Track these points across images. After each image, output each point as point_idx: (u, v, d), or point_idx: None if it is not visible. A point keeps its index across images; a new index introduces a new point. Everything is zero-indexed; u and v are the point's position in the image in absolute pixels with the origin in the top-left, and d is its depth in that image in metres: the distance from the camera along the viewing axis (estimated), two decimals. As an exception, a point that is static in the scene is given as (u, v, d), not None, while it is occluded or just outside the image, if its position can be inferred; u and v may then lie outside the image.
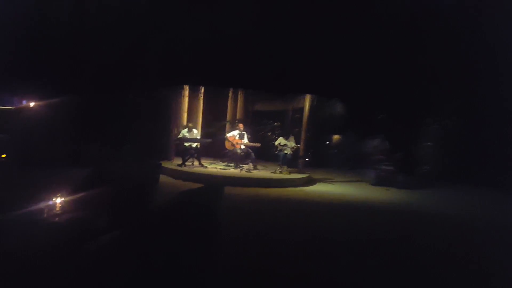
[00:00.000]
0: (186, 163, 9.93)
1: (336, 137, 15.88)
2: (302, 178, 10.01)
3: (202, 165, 10.03)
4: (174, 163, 10.07)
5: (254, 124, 12.48)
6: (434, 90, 10.73)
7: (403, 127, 12.09)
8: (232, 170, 10.01)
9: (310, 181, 10.14)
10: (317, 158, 12.67)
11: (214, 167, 10.20)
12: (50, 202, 3.01)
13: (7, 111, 10.47)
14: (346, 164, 14.04)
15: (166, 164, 9.86)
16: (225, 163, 10.71)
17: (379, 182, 10.51)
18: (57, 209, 3.02)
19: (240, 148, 10.19)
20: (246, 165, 10.29)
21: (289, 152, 10.23)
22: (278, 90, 10.45)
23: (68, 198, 3.25)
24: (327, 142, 15.56)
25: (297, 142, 10.60)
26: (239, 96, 12.10)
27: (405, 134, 11.50)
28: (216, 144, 10.90)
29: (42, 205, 2.95)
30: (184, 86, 10.58)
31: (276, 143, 10.50)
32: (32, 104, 9.13)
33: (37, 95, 8.96)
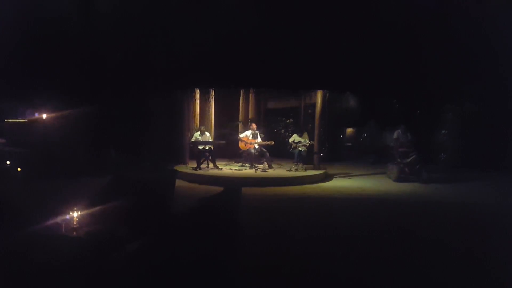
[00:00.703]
0: (201, 166, 9.90)
1: (349, 130, 15.70)
2: (319, 174, 9.87)
3: (217, 167, 9.98)
4: (189, 167, 10.04)
5: (267, 122, 12.40)
6: (450, 76, 10.44)
7: (419, 116, 11.84)
8: (247, 171, 9.93)
9: (326, 177, 9.99)
10: (332, 153, 12.51)
11: (229, 169, 10.13)
12: (71, 215, 2.97)
13: (21, 124, 10.60)
14: (362, 157, 13.83)
15: (181, 168, 9.85)
16: (240, 164, 10.64)
17: (401, 176, 9.60)
18: (78, 222, 2.98)
19: (254, 148, 10.11)
20: (261, 165, 10.20)
21: (303, 149, 10.10)
22: (289, 87, 10.31)
23: (88, 210, 3.22)
24: (341, 136, 15.32)
25: (311, 138, 10.46)
26: (250, 96, 12.01)
27: (421, 122, 11.22)
28: (230, 145, 10.84)
29: (62, 218, 2.91)
30: (195, 89, 10.53)
31: (290, 140, 10.38)
32: (44, 116, 9.21)
33: (49, 105, 9.03)
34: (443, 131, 11.87)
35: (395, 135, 10.08)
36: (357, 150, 14.78)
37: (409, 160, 9.69)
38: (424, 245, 4.81)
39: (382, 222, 5.95)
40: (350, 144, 15.47)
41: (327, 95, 10.77)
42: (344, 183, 9.42)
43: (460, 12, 9.28)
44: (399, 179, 9.61)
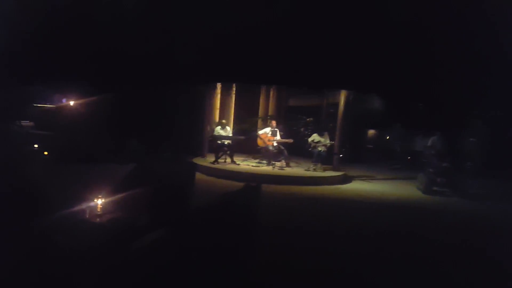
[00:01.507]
0: (219, 160, 9.96)
1: (371, 132, 15.45)
2: (337, 176, 9.78)
3: (234, 162, 10.02)
4: (207, 160, 10.13)
5: (287, 119, 12.33)
6: (479, 81, 10.08)
7: (448, 122, 11.49)
8: (264, 167, 9.93)
9: (345, 179, 9.88)
10: (353, 155, 12.34)
11: (246, 164, 10.16)
12: (93, 202, 3.05)
13: (49, 109, 10.92)
14: (384, 161, 13.55)
15: (199, 161, 9.94)
16: (258, 160, 10.65)
17: (433, 189, 8.61)
18: (100, 208, 3.06)
19: (273, 145, 10.10)
20: (279, 162, 10.18)
21: (323, 149, 10.01)
22: (312, 85, 10.19)
23: (111, 197, 3.29)
24: (363, 137, 15.05)
25: (331, 138, 10.35)
26: (271, 92, 11.98)
27: (450, 129, 10.87)
28: (248, 141, 10.86)
29: (85, 204, 2.99)
30: (217, 83, 10.58)
31: (310, 139, 10.30)
32: (72, 102, 9.45)
33: (77, 92, 9.26)
34: (472, 139, 11.49)
35: (429, 142, 9.35)
36: (379, 152, 14.52)
37: (443, 170, 8.72)
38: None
39: (403, 232, 5.82)
40: (372, 146, 15.24)
41: (351, 95, 10.61)
42: (363, 186, 9.29)
43: (493, 17, 8.94)
44: (430, 191, 8.63)
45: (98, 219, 2.97)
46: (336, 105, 11.00)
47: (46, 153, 8.04)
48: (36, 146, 8.21)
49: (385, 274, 3.94)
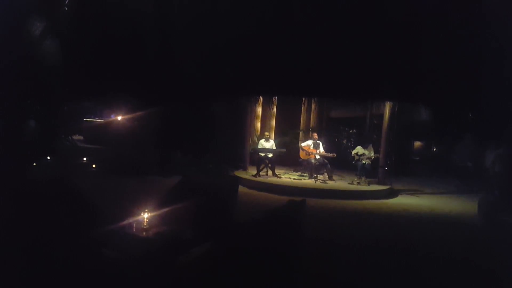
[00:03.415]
0: (260, 173, 9.89)
1: (417, 143, 14.75)
2: (383, 190, 9.35)
3: (276, 175, 9.91)
4: (249, 173, 10.09)
5: (329, 131, 12.06)
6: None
7: (498, 132, 10.68)
8: (306, 181, 9.72)
9: (391, 193, 9.42)
10: (399, 167, 11.78)
11: (288, 177, 10.01)
12: (140, 216, 3.07)
13: (98, 123, 11.47)
14: (433, 174, 12.78)
15: (240, 174, 9.92)
16: (299, 173, 10.47)
17: (494, 216, 6.65)
18: (147, 222, 3.06)
19: (315, 158, 9.88)
20: (321, 175, 9.93)
21: (367, 162, 9.65)
22: (355, 97, 9.90)
23: (157, 210, 3.30)
24: (409, 149, 14.33)
25: (376, 150, 9.96)
26: (313, 104, 11.81)
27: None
28: (289, 154, 10.72)
29: (132, 218, 3.02)
30: (259, 96, 10.61)
31: (354, 152, 9.98)
32: (120, 117, 9.86)
33: (124, 107, 9.66)
34: None
35: (492, 157, 7.86)
36: (427, 165, 13.77)
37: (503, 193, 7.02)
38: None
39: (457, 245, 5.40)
40: (418, 158, 14.52)
41: (396, 106, 10.19)
42: (411, 201, 8.79)
43: None
44: (490, 219, 6.71)
45: (144, 233, 2.96)
46: (381, 116, 10.61)
47: (94, 166, 8.39)
48: (84, 159, 8.62)
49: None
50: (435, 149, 14.43)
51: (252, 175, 9.79)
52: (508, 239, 5.89)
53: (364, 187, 9.31)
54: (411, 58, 8.88)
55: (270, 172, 10.04)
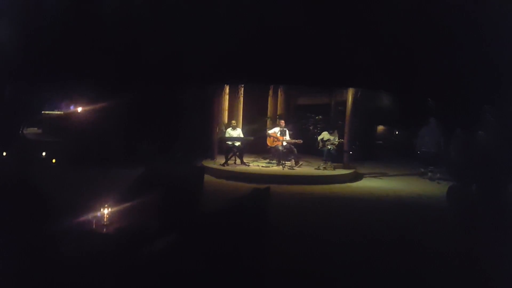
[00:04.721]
0: (229, 161, 9.89)
1: (380, 128, 15.24)
2: (348, 173, 9.63)
3: (244, 163, 9.95)
4: (217, 162, 10.07)
5: (296, 118, 12.21)
6: (490, 75, 9.81)
7: (455, 115, 11.18)
8: (274, 168, 9.84)
9: (356, 177, 9.73)
10: (363, 152, 12.14)
11: (256, 165, 10.08)
12: (102, 211, 3.00)
13: (57, 116, 10.98)
14: (394, 156, 13.28)
15: (208, 163, 9.88)
16: (267, 160, 10.57)
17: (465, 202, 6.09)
18: (110, 215, 3.01)
19: (282, 145, 10.00)
20: (289, 162, 10.08)
21: (332, 147, 9.88)
22: (319, 84, 10.05)
23: (119, 203, 3.25)
24: (372, 134, 14.74)
25: (340, 136, 10.21)
26: (279, 92, 11.88)
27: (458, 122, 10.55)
28: (257, 141, 10.78)
29: (93, 215, 2.95)
30: (225, 85, 10.53)
31: (319, 138, 10.19)
32: (79, 108, 9.48)
33: (85, 98, 9.27)
34: (481, 132, 11.13)
35: (458, 145, 7.66)
36: (389, 149, 14.27)
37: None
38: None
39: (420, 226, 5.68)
40: (381, 142, 15.02)
41: (359, 92, 10.46)
42: (375, 184, 9.13)
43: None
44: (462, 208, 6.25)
45: (104, 230, 2.91)
46: (345, 102, 10.86)
47: (54, 160, 8.06)
48: (44, 154, 8.25)
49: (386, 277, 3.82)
50: (397, 133, 14.95)
51: (220, 164, 9.78)
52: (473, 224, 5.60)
53: (330, 172, 9.55)
54: (371, 44, 9.08)
55: (238, 161, 10.06)
